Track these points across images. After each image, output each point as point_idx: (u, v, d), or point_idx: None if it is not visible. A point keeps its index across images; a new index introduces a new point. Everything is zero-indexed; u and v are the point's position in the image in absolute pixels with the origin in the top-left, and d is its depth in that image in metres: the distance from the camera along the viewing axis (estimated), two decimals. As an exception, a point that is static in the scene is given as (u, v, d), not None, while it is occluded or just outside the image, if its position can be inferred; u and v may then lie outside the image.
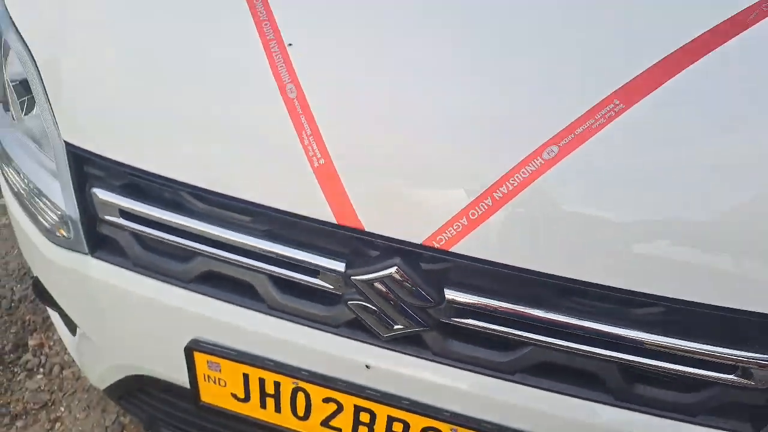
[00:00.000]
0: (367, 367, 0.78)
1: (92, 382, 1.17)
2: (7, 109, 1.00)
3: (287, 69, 0.72)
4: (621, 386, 0.73)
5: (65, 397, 1.47)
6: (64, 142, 0.82)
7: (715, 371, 0.69)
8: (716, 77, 0.68)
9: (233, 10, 0.77)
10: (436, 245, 0.68)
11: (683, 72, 0.68)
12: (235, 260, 0.78)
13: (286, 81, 0.72)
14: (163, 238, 0.80)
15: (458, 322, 0.74)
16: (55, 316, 1.23)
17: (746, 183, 0.66)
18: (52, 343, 1.58)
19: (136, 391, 1.06)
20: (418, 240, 0.69)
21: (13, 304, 1.66)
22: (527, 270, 0.68)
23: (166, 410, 1.05)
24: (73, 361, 1.52)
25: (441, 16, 0.74)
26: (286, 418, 0.87)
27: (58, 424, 1.42)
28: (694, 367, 0.69)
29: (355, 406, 0.82)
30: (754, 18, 0.74)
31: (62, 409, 1.45)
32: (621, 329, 0.69)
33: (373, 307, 0.74)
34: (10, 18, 0.91)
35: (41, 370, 1.53)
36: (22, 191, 0.96)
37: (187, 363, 0.86)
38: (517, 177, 0.65)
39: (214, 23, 0.78)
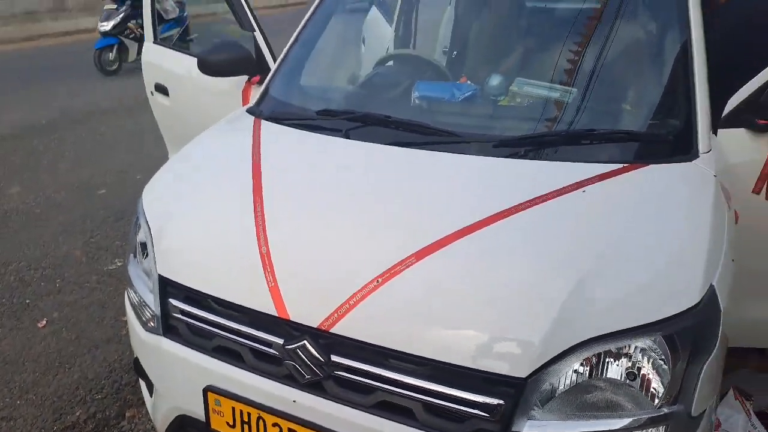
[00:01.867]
0: (294, 401, 1.39)
1: (158, 430, 1.83)
2: (135, 256, 1.81)
3: (265, 241, 1.46)
4: (425, 417, 1.28)
5: (143, 452, 2.13)
6: (158, 274, 1.59)
7: (469, 408, 1.23)
8: (460, 254, 1.32)
9: (244, 211, 1.54)
10: (323, 328, 1.32)
11: (447, 246, 1.33)
12: (231, 338, 1.46)
13: (263, 246, 1.45)
14: (197, 326, 1.51)
15: (340, 375, 1.34)
16: (143, 387, 1.94)
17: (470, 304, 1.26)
18: (141, 416, 2.28)
19: (180, 430, 1.70)
20: (314, 324, 1.33)
21: (120, 387, 2.41)
22: (366, 342, 1.29)
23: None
24: (152, 428, 2.20)
25: (337, 216, 1.47)
26: (255, 439, 1.47)
27: (135, 469, 2.06)
28: (457, 404, 1.24)
29: (289, 429, 1.41)
30: (497, 217, 1.39)
31: (140, 459, 2.10)
32: (414, 379, 1.26)
33: (296, 365, 1.37)
34: (144, 210, 1.75)
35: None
36: (135, 302, 1.73)
37: (203, 400, 1.51)
38: (357, 296, 1.30)
39: (233, 218, 1.56)
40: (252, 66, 2.51)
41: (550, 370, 1.19)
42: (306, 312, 1.35)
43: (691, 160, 1.60)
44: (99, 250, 3.55)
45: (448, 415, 1.27)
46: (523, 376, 1.19)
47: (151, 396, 1.81)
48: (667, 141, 1.68)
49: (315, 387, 1.38)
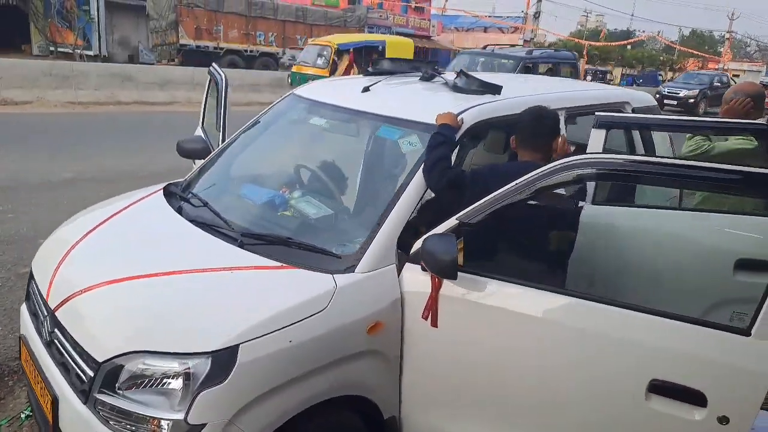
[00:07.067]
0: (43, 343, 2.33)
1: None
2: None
3: (66, 257, 2.47)
4: (72, 376, 2.11)
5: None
6: (31, 268, 2.69)
7: (82, 373, 2.04)
8: (146, 283, 2.18)
9: (76, 238, 2.57)
10: (53, 310, 2.26)
11: (147, 278, 2.19)
12: (33, 305, 2.47)
13: (63, 260, 2.46)
14: (30, 294, 2.56)
15: (54, 340, 2.25)
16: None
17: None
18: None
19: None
20: (52, 307, 2.28)
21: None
22: (62, 324, 2.19)
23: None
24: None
25: (104, 249, 2.43)
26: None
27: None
28: (81, 370, 2.06)
29: (32, 365, 2.34)
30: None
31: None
32: (71, 350, 2.12)
33: (44, 329, 2.32)
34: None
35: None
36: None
37: (19, 338, 2.52)
38: (71, 297, 2.23)
39: (69, 239, 2.60)
40: (206, 154, 3.61)
41: (114, 362, 1.97)
42: (53, 300, 2.32)
43: (332, 274, 2.21)
44: None
45: (78, 375, 2.09)
46: (100, 361, 1.99)
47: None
48: (337, 258, 2.31)
49: (48, 344, 2.31)
